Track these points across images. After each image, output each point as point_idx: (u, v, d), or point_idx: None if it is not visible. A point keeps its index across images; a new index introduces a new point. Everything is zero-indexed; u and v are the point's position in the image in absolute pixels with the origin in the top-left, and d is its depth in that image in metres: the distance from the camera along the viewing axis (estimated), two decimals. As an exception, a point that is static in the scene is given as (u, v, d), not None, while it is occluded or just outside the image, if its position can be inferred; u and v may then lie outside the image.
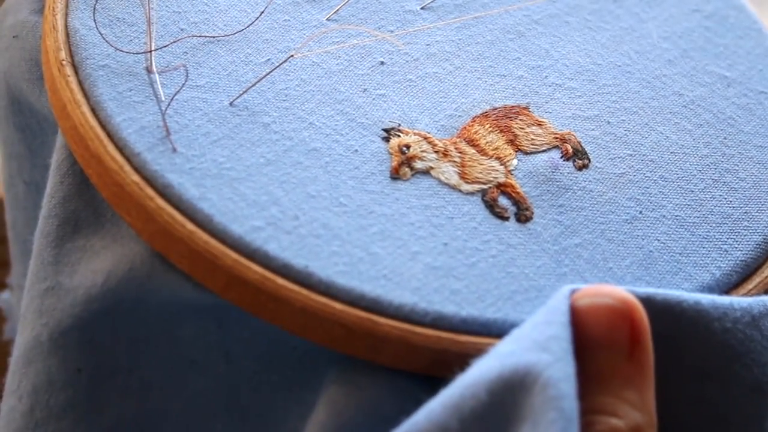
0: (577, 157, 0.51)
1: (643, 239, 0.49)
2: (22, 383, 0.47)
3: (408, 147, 0.49)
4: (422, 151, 0.49)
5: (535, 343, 0.41)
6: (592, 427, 0.41)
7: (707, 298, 0.45)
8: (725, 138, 0.54)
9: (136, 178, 0.45)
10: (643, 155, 0.52)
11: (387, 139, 0.49)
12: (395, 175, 0.48)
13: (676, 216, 0.50)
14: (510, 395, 0.40)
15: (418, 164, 0.49)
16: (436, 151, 0.50)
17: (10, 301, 0.64)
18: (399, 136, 0.50)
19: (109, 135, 0.46)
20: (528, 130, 0.52)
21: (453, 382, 0.41)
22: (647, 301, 0.44)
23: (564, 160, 0.51)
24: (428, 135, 0.50)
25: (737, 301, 0.45)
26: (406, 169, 0.49)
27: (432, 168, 0.49)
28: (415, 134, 0.50)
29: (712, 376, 0.45)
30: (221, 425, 0.47)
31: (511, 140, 0.51)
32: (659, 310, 0.44)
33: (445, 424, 0.40)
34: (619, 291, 0.43)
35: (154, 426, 0.47)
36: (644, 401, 0.42)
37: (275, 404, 0.46)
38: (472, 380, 0.40)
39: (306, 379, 0.46)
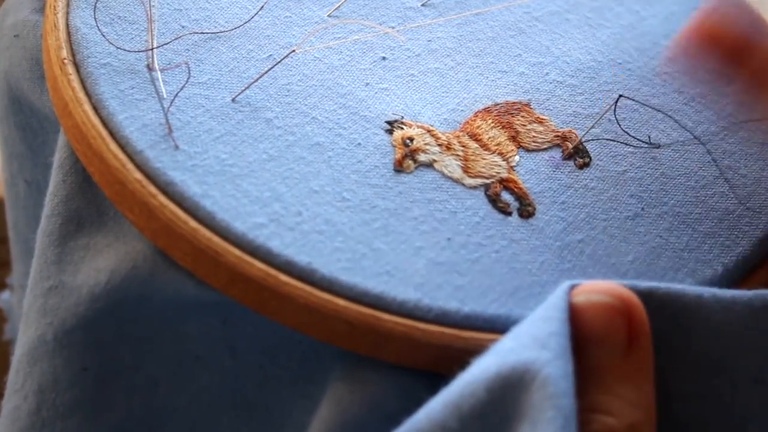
0: (578, 155, 0.51)
1: (645, 235, 0.49)
2: (26, 382, 0.47)
3: (411, 139, 0.49)
4: (426, 144, 0.49)
5: (534, 339, 0.41)
6: (587, 426, 0.40)
7: (709, 292, 0.45)
8: (726, 135, 0.54)
9: (138, 175, 0.45)
10: (644, 153, 0.52)
11: (390, 132, 0.49)
12: (398, 167, 0.48)
13: (678, 212, 0.50)
14: (509, 393, 0.39)
15: (422, 157, 0.49)
16: (439, 144, 0.49)
17: (11, 301, 0.64)
18: (402, 128, 0.50)
19: (111, 133, 0.46)
20: (530, 127, 0.52)
21: (453, 381, 0.41)
22: (648, 295, 0.44)
23: (565, 160, 0.51)
24: (431, 128, 0.50)
25: (739, 294, 0.45)
26: (410, 162, 0.49)
27: (435, 161, 0.49)
28: (418, 127, 0.50)
29: (715, 370, 0.45)
30: (228, 420, 0.47)
31: (513, 137, 0.51)
32: (661, 304, 0.44)
33: (444, 422, 0.40)
34: (617, 288, 0.43)
35: (161, 422, 0.47)
36: (641, 398, 0.42)
37: (281, 398, 0.46)
38: (471, 378, 0.40)
39: (311, 373, 0.46)
